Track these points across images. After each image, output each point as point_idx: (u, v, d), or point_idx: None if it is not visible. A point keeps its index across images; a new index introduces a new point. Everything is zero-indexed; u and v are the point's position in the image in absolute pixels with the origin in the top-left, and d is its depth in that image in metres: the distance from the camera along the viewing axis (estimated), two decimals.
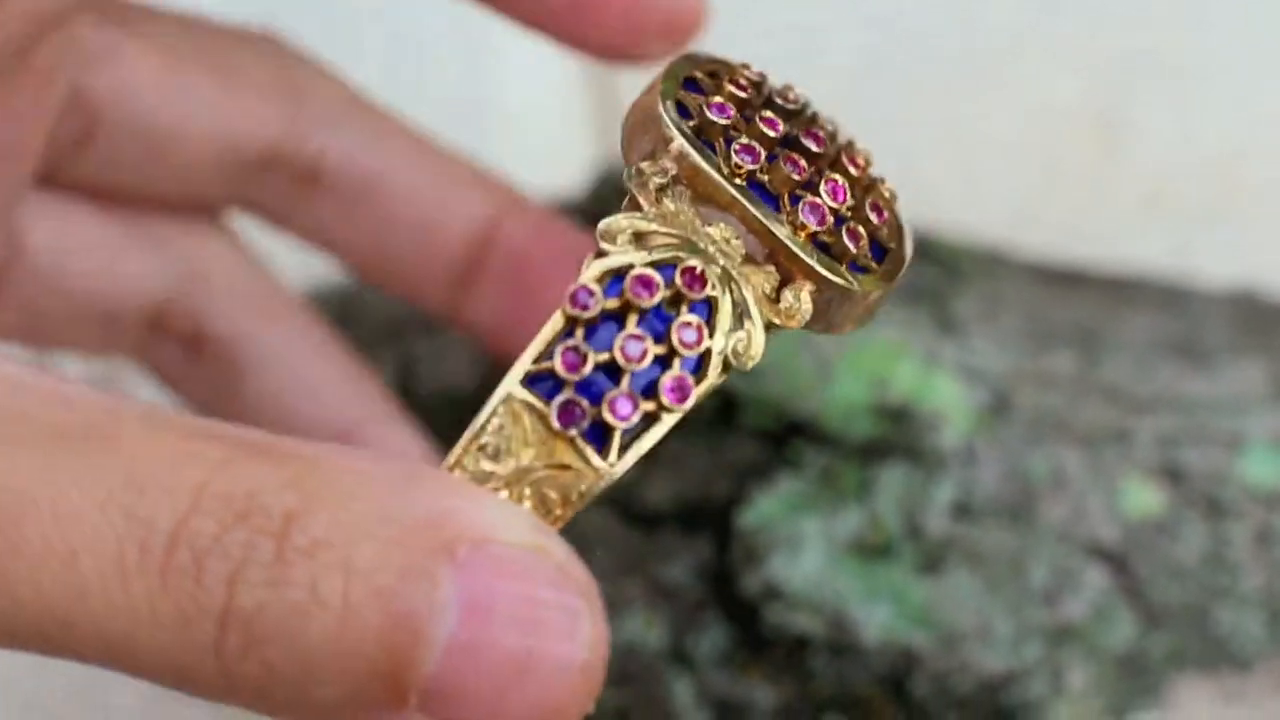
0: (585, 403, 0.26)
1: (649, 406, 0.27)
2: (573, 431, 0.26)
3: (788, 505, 0.42)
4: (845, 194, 0.29)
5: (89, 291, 0.37)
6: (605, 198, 0.48)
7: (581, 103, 0.56)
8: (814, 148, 0.30)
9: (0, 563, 0.23)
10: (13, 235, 0.36)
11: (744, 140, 0.29)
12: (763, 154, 0.29)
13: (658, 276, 0.27)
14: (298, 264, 0.52)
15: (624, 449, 0.27)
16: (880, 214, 0.30)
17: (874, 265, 0.30)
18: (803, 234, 0.28)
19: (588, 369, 0.26)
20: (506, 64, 0.54)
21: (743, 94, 0.30)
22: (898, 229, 0.31)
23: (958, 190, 0.55)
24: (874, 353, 0.43)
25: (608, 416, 0.26)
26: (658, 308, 0.27)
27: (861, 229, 0.30)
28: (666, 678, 0.42)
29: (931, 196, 0.55)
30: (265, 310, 0.39)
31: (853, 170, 0.30)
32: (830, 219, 0.29)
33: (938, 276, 0.46)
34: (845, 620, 0.42)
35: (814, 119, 0.31)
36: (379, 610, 0.23)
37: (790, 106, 0.30)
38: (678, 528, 0.43)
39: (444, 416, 0.46)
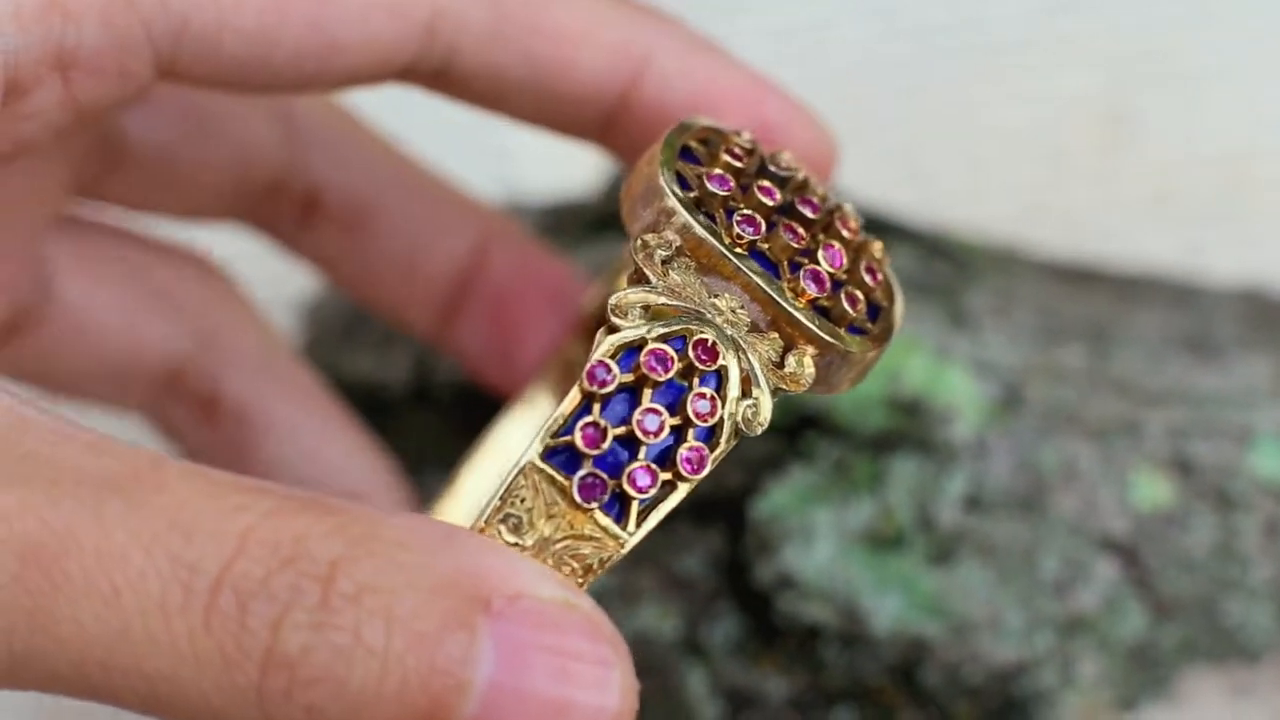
0: (605, 475, 0.27)
1: (666, 476, 0.28)
2: (593, 505, 0.27)
3: (800, 496, 0.42)
4: (842, 258, 0.30)
5: (110, 345, 0.38)
6: (617, 199, 0.48)
7: None
8: (809, 214, 0.30)
9: (42, 601, 0.24)
10: (43, 282, 0.37)
11: (745, 211, 0.30)
12: (763, 223, 0.30)
13: (671, 350, 0.27)
14: None
15: (641, 517, 0.28)
16: (874, 275, 0.31)
17: (870, 326, 0.30)
18: (803, 300, 0.29)
19: (607, 444, 0.27)
20: None
21: (738, 163, 0.31)
22: (889, 288, 0.32)
23: (967, 186, 0.55)
24: None
25: (627, 488, 0.27)
26: (671, 380, 0.28)
27: (858, 292, 0.30)
28: (680, 668, 0.43)
29: (941, 192, 0.55)
30: (278, 377, 0.40)
31: (845, 233, 0.31)
32: (829, 284, 0.30)
33: (950, 272, 0.46)
34: (857, 610, 0.42)
35: (805, 184, 0.31)
36: (420, 657, 0.24)
37: (783, 173, 0.31)
38: (691, 519, 0.43)
39: (460, 412, 0.46)
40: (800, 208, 0.30)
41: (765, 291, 0.29)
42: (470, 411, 0.45)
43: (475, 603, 0.24)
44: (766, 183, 0.30)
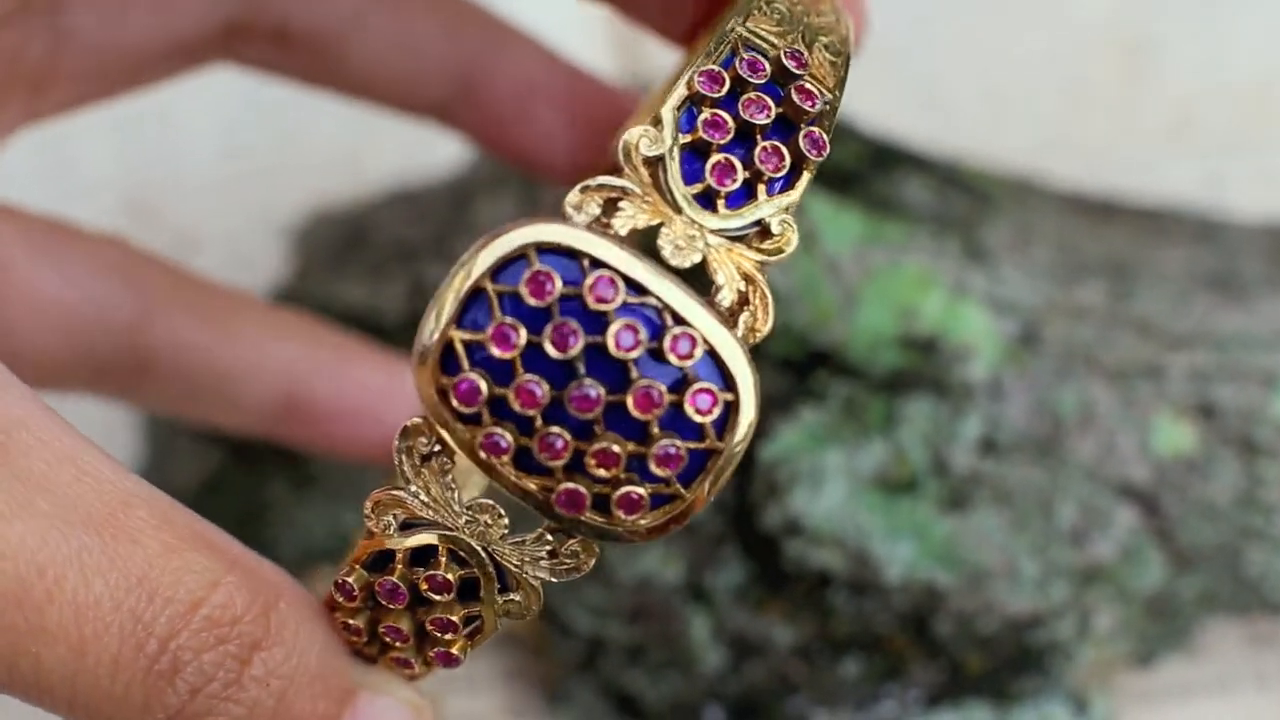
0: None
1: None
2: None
3: (810, 437, 0.41)
4: (619, 461, 0.27)
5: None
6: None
7: (600, 18, 0.55)
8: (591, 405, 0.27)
9: (15, 640, 0.27)
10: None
11: (497, 429, 0.27)
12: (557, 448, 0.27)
13: (404, 586, 0.29)
14: (313, 186, 0.52)
15: None
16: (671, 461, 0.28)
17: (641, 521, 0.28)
18: (574, 512, 0.27)
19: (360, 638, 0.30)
20: None
21: (509, 352, 0.27)
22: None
23: (984, 116, 0.54)
24: (901, 281, 0.42)
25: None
26: (410, 606, 0.29)
27: (637, 487, 0.27)
28: (684, 614, 0.42)
29: (958, 123, 0.54)
30: None
31: (695, 416, 0.28)
32: (605, 485, 0.27)
33: (967, 204, 0.45)
34: (867, 557, 0.41)
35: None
36: None
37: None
38: None
39: None
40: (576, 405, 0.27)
41: (522, 493, 0.27)
42: None
43: (346, 696, 0.29)
44: (532, 379, 0.27)
